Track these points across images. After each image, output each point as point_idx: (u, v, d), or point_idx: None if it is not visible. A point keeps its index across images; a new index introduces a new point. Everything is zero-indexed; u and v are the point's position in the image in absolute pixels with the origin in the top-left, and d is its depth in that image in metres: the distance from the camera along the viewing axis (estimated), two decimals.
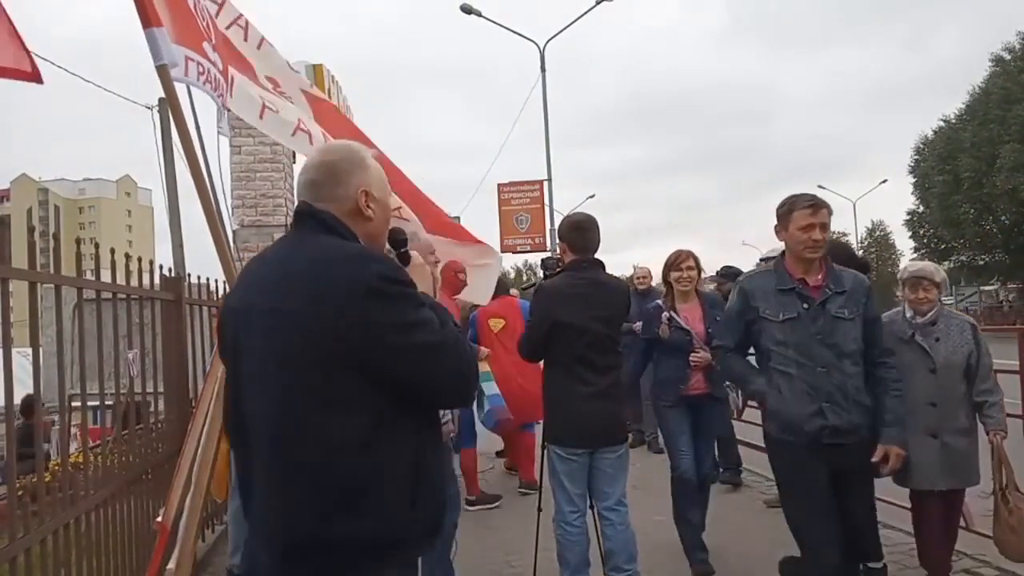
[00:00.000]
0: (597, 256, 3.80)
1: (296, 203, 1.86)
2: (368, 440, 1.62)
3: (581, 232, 3.75)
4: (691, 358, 4.33)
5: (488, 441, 7.07)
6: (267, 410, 1.66)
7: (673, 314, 4.39)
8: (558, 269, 3.90)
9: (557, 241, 4.48)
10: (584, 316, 3.59)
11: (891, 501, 3.99)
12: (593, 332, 3.59)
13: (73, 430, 4.76)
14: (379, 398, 1.64)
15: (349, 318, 1.59)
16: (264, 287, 1.72)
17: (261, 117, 3.48)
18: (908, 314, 3.64)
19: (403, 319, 1.65)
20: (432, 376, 1.70)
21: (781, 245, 3.31)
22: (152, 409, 4.22)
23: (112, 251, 3.49)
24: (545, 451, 3.77)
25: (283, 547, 1.64)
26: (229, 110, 3.42)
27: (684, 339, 4.36)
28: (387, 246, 1.98)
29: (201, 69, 3.06)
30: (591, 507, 3.75)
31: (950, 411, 3.52)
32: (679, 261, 4.46)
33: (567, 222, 3.88)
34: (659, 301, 4.63)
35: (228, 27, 3.58)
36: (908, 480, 3.58)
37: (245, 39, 3.69)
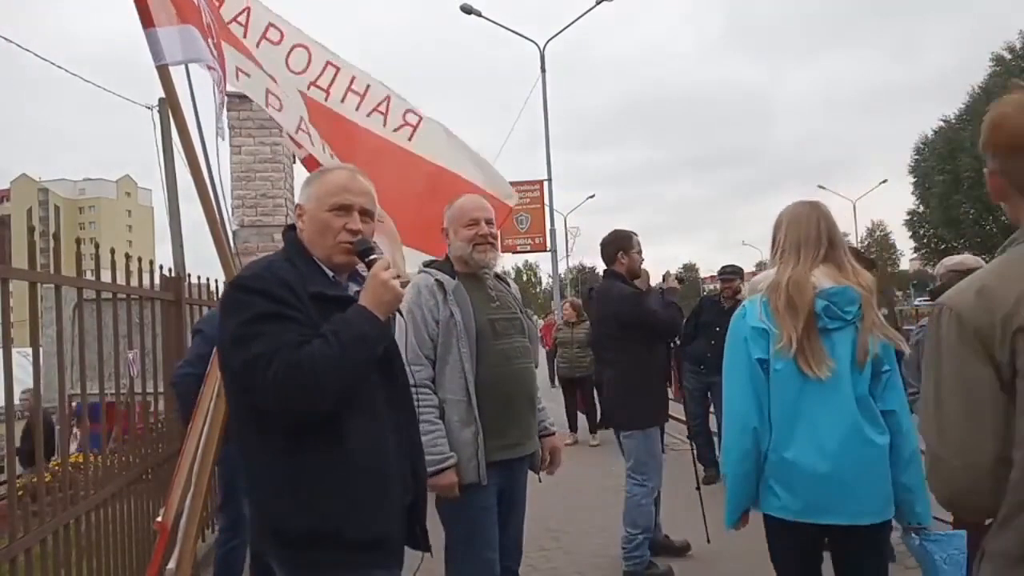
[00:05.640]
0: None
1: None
2: None
3: None
4: None
5: None
6: None
7: None
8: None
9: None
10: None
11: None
12: None
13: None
14: None
15: None
16: None
17: (267, 105, 3.48)
18: None
19: (227, 326, 1.83)
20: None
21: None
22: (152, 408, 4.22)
23: (112, 251, 3.49)
24: None
25: None
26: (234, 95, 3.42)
27: None
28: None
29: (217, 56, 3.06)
30: None
31: None
32: None
33: None
34: None
35: (229, 23, 3.58)
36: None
37: (244, 36, 3.69)
